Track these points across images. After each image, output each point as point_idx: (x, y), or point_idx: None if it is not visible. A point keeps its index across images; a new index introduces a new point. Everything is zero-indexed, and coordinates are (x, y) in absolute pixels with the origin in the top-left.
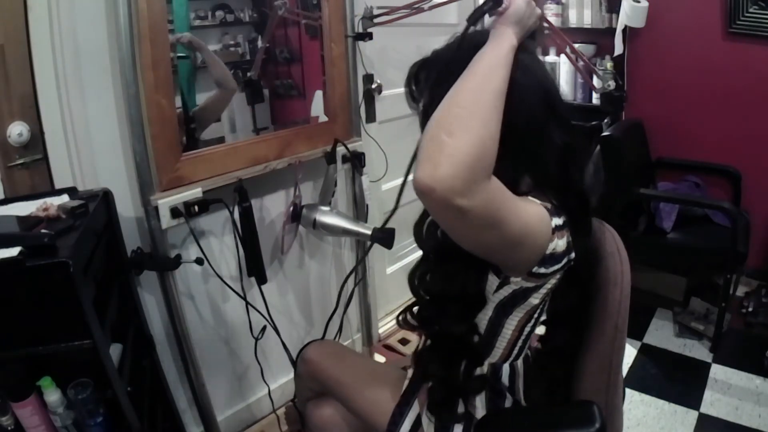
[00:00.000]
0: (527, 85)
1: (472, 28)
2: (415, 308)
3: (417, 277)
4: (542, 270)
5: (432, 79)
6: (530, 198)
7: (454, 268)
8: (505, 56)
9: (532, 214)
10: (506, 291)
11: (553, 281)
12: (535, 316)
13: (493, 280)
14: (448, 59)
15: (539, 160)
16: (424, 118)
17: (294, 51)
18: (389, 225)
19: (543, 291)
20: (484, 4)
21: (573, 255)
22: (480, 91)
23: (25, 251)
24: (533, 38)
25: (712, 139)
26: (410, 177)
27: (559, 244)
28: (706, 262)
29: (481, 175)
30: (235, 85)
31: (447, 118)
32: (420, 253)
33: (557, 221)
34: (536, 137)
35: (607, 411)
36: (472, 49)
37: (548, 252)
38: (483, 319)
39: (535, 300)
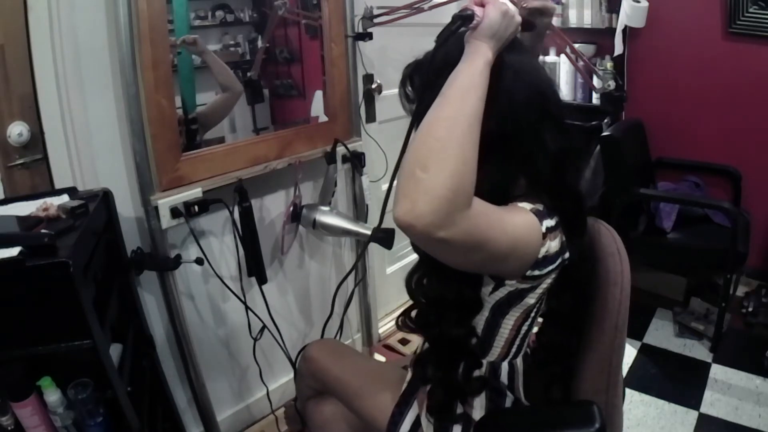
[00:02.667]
0: (517, 89)
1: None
2: (414, 311)
3: (414, 281)
4: (536, 272)
5: (422, 83)
6: (519, 205)
7: (449, 272)
8: (480, 74)
9: (519, 226)
10: (501, 292)
11: (548, 281)
12: (532, 314)
13: (488, 283)
14: (436, 67)
15: (533, 164)
16: (415, 120)
17: (294, 51)
18: (387, 225)
19: (539, 291)
20: (451, 23)
21: (567, 255)
22: (453, 120)
23: (25, 251)
24: (540, 41)
25: (712, 139)
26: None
27: (552, 245)
28: (706, 262)
29: (461, 205)
30: (241, 87)
31: (421, 153)
32: None
33: (549, 223)
34: (528, 141)
35: (607, 411)
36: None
37: (541, 256)
38: (480, 319)
39: (531, 300)
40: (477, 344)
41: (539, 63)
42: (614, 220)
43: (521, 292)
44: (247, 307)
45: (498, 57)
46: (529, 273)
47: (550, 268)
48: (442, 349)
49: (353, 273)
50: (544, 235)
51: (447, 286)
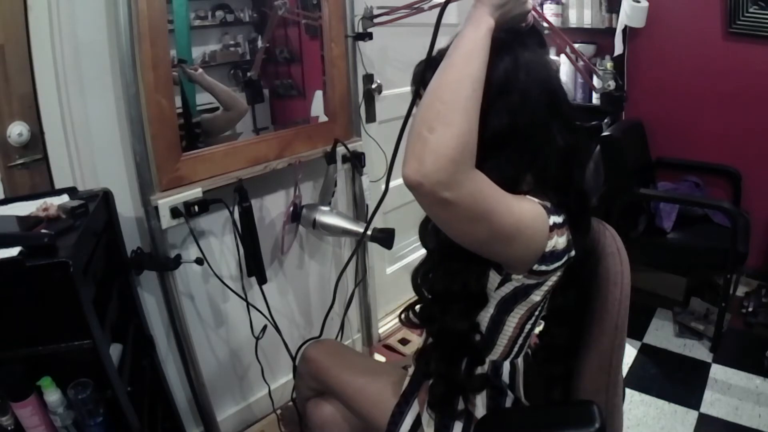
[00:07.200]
0: (530, 86)
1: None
2: (418, 306)
3: (420, 275)
4: (543, 267)
5: None
6: (528, 197)
7: (455, 266)
8: (483, 39)
9: (525, 210)
10: (508, 288)
11: (554, 278)
12: (536, 313)
13: (494, 278)
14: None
15: (541, 160)
16: None
17: (294, 51)
18: (380, 218)
19: (544, 288)
20: None
21: (573, 252)
22: (458, 84)
23: (25, 251)
24: (543, 44)
25: (712, 139)
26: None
27: (559, 241)
28: (706, 262)
29: (465, 166)
30: (244, 106)
31: (429, 115)
32: (421, 253)
33: (556, 219)
34: (539, 137)
35: (607, 411)
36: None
37: (548, 250)
38: (485, 316)
39: (536, 297)
40: (480, 341)
41: (551, 63)
42: (614, 220)
43: (527, 289)
44: (249, 305)
45: (512, 54)
46: (536, 267)
47: (557, 264)
48: (445, 344)
49: (353, 274)
50: (551, 229)
51: (452, 280)
